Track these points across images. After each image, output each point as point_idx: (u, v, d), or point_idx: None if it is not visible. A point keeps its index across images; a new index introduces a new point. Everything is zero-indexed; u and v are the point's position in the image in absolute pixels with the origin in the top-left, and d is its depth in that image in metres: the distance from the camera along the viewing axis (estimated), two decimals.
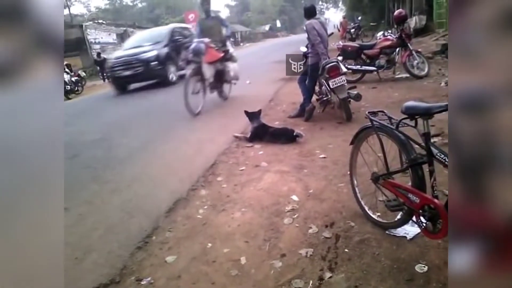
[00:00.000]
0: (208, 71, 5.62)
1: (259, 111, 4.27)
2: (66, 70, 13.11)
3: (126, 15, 40.34)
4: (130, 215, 2.65)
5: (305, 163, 3.25)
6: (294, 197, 2.59)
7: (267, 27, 52.49)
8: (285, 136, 3.92)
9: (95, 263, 2.11)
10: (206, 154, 3.78)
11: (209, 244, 2.14)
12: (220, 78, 6.16)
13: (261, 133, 4.05)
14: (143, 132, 5.12)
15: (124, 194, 3.03)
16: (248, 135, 4.13)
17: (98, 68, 17.77)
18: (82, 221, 2.65)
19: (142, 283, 1.88)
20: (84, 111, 8.00)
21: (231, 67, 6.27)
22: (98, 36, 23.92)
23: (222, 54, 5.94)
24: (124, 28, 26.98)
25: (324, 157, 3.33)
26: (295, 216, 2.34)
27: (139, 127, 5.46)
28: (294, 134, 3.91)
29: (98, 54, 18.29)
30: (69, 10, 26.98)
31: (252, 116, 4.19)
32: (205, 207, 2.64)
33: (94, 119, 6.87)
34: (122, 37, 24.60)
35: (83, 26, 22.85)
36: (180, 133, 4.81)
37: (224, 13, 57.57)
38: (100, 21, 28.41)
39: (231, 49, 6.40)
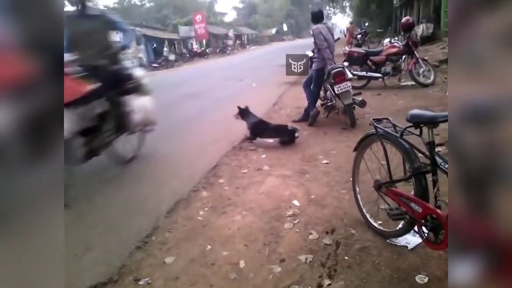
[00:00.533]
0: (66, 121, 2.63)
1: (246, 107, 4.12)
2: None
3: (134, 14, 40.56)
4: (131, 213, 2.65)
5: (308, 168, 3.24)
6: (295, 202, 2.58)
7: (273, 31, 52.57)
8: (285, 133, 3.93)
9: (94, 261, 2.10)
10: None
11: (209, 246, 2.13)
12: (106, 128, 3.27)
13: (261, 129, 4.04)
14: None
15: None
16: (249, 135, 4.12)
17: None
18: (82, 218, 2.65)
19: (140, 283, 1.87)
20: None
21: (138, 105, 3.46)
22: None
23: (94, 87, 3.00)
24: (132, 28, 27.13)
25: (327, 163, 3.32)
26: (296, 221, 2.33)
27: None
28: (289, 128, 3.93)
29: None
30: (78, 8, 27.07)
31: (245, 112, 4.07)
32: (206, 208, 2.63)
33: None
34: None
35: None
36: None
37: (232, 15, 57.73)
38: None
39: (137, 71, 3.67)
